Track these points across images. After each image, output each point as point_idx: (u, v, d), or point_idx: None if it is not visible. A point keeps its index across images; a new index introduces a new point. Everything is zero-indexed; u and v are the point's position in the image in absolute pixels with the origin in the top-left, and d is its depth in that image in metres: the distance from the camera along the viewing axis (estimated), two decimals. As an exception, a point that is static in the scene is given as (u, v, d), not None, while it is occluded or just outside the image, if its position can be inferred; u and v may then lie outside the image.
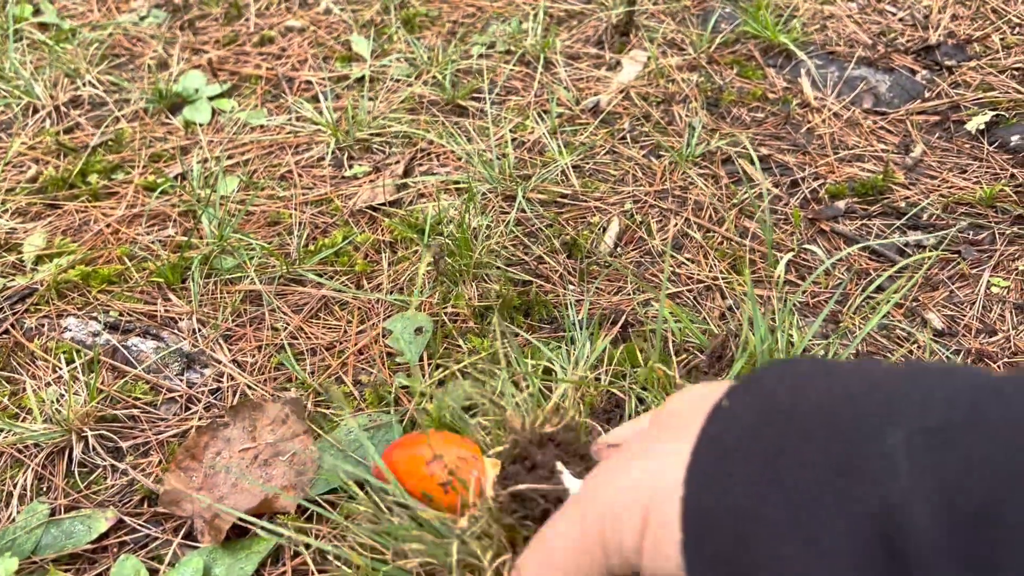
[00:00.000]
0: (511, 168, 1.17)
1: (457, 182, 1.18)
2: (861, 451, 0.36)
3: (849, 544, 0.34)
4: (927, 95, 1.32)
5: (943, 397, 0.36)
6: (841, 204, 1.15)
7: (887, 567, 0.33)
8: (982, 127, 1.24)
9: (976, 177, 1.17)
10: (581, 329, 0.95)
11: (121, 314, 1.02)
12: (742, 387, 0.44)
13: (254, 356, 0.97)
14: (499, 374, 0.76)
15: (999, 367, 0.94)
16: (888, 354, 0.96)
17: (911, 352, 0.95)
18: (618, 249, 1.10)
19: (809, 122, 1.29)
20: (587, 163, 1.23)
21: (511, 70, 1.39)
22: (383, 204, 1.15)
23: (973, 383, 0.36)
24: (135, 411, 0.91)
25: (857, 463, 0.36)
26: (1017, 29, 1.43)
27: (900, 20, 1.48)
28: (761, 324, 0.87)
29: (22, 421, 0.89)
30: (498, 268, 1.03)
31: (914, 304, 1.02)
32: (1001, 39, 1.41)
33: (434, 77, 1.37)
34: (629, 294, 1.02)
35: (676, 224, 1.13)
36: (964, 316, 1.00)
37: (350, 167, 1.23)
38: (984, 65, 1.36)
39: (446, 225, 1.08)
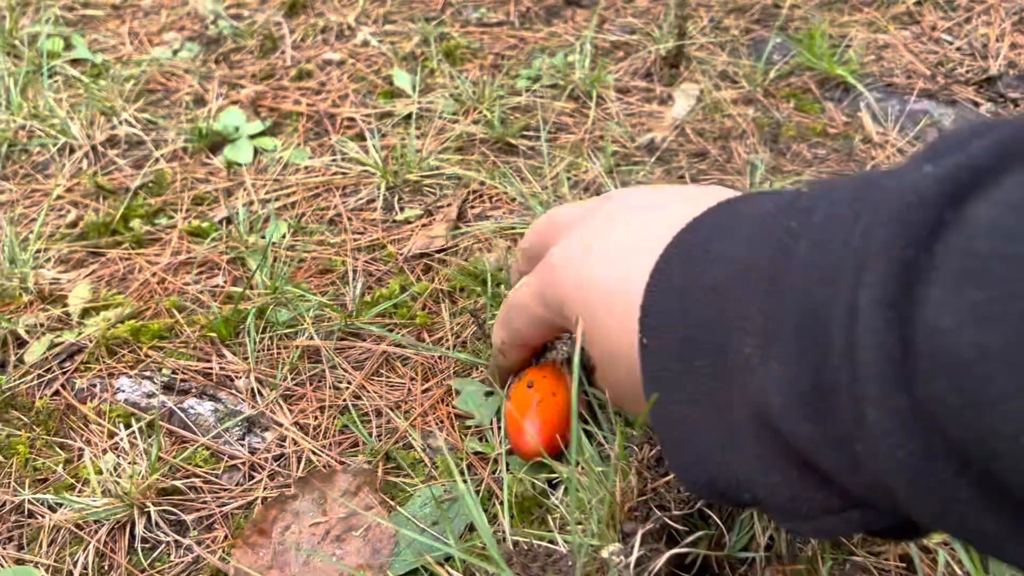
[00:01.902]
0: (570, 211, 1.13)
1: (513, 227, 1.14)
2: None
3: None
4: (993, 129, 1.28)
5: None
6: (915, 247, 1.11)
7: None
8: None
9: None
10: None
11: (175, 372, 0.98)
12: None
13: (316, 418, 0.92)
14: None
15: None
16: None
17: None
18: (687, 298, 1.05)
19: (873, 159, 1.25)
20: (646, 204, 1.18)
21: (561, 106, 1.35)
22: (438, 251, 1.11)
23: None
24: (196, 480, 0.87)
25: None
26: (1081, 59, 1.39)
27: (957, 50, 1.45)
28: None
29: (79, 494, 0.85)
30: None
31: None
32: (1065, 69, 1.37)
33: (482, 114, 1.33)
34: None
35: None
36: None
37: (401, 210, 1.19)
38: (1050, 97, 1.32)
39: (506, 273, 1.04)
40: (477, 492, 0.83)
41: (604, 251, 0.58)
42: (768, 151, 1.27)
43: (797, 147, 1.28)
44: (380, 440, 0.89)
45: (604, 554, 0.73)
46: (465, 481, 0.84)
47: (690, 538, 0.71)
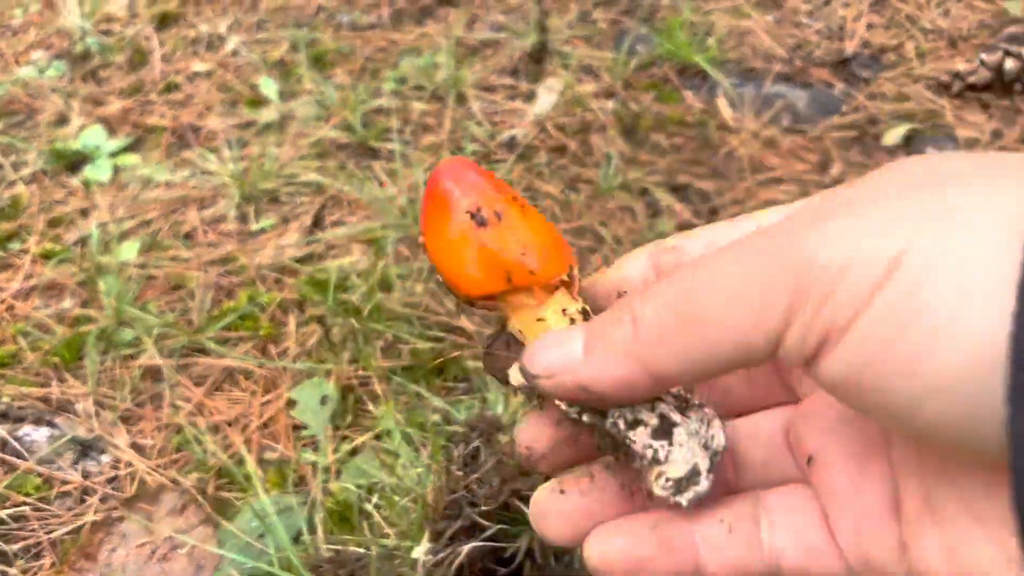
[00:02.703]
0: (423, 213, 1.14)
1: (369, 232, 1.14)
2: None
3: None
4: (845, 109, 1.31)
5: None
6: (760, 230, 1.13)
7: None
8: (899, 140, 1.23)
9: (894, 194, 1.16)
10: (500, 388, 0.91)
11: (13, 399, 0.96)
12: None
13: (153, 438, 0.92)
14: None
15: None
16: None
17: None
18: (535, 293, 1.06)
19: (728, 145, 1.27)
20: (503, 202, 1.19)
21: (424, 107, 1.36)
22: (292, 259, 1.11)
23: None
24: (25, 509, 0.86)
25: None
26: (931, 36, 1.43)
27: (816, 32, 1.47)
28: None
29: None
30: (410, 325, 0.99)
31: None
32: (916, 47, 1.41)
33: (344, 119, 1.33)
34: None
35: (594, 264, 1.10)
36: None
37: (257, 220, 1.18)
38: (899, 75, 1.36)
39: (358, 280, 1.05)
40: (304, 503, 0.83)
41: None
42: (626, 143, 1.28)
43: (655, 137, 1.30)
44: (214, 456, 0.89)
45: (414, 554, 0.74)
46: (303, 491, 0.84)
47: (488, 532, 0.72)
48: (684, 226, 1.15)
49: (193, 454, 0.89)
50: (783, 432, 0.41)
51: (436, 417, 0.87)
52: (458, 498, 0.76)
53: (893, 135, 1.23)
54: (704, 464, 0.37)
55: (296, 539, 0.80)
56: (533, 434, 0.40)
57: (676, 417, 0.37)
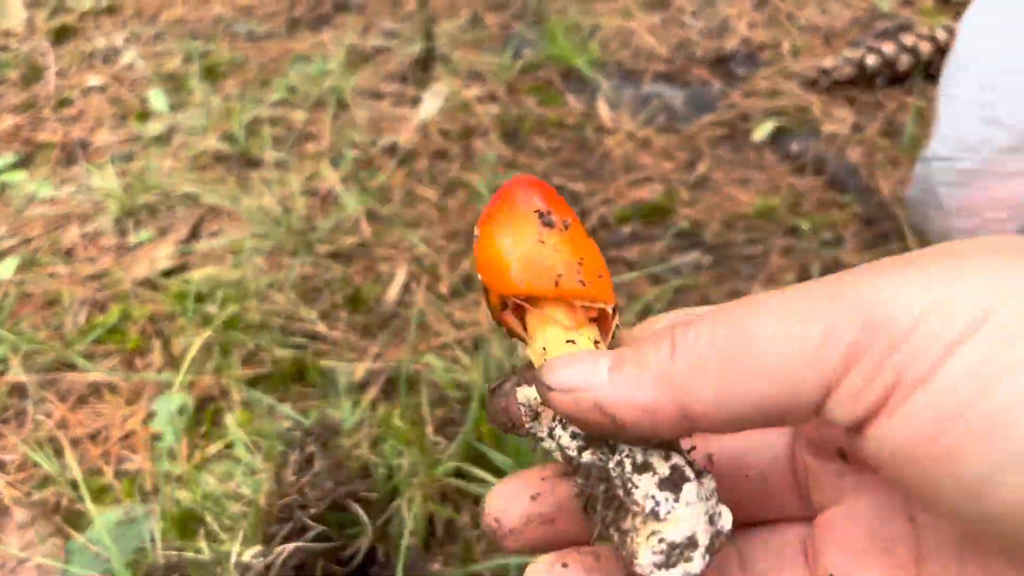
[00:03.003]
0: (298, 222, 1.16)
1: (239, 243, 1.16)
2: None
3: None
4: (720, 107, 1.35)
5: None
6: (626, 229, 1.16)
7: None
8: (767, 136, 1.26)
9: (757, 189, 1.20)
10: (350, 391, 0.94)
11: None
12: None
13: (13, 455, 0.93)
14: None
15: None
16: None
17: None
18: (405, 297, 1.09)
19: (604, 146, 1.30)
20: (382, 208, 1.22)
21: (308, 116, 1.38)
22: (166, 271, 1.13)
23: None
24: None
25: None
26: (807, 33, 1.47)
27: (699, 31, 1.51)
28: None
29: None
30: (272, 333, 1.02)
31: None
32: (792, 45, 1.45)
33: (228, 130, 1.34)
34: (413, 346, 1.02)
35: (465, 266, 1.13)
36: (732, 336, 1.02)
37: (136, 234, 1.20)
38: (773, 73, 1.39)
39: (223, 291, 1.06)
40: (152, 513, 0.85)
41: None
42: (507, 146, 1.31)
43: (536, 140, 1.33)
44: (70, 470, 0.91)
45: (244, 558, 0.77)
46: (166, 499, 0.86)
47: (311, 533, 0.74)
48: (556, 227, 1.18)
49: (51, 468, 0.90)
50: (800, 544, 0.36)
51: (288, 424, 0.90)
52: (290, 502, 0.78)
53: (761, 131, 1.27)
54: (704, 539, 0.31)
55: (141, 548, 0.82)
56: (504, 503, 0.36)
57: (690, 473, 0.32)
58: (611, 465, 0.32)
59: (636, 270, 1.10)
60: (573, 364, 0.32)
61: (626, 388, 0.30)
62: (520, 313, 0.38)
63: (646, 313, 1.05)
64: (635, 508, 0.31)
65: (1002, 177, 0.88)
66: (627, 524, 0.32)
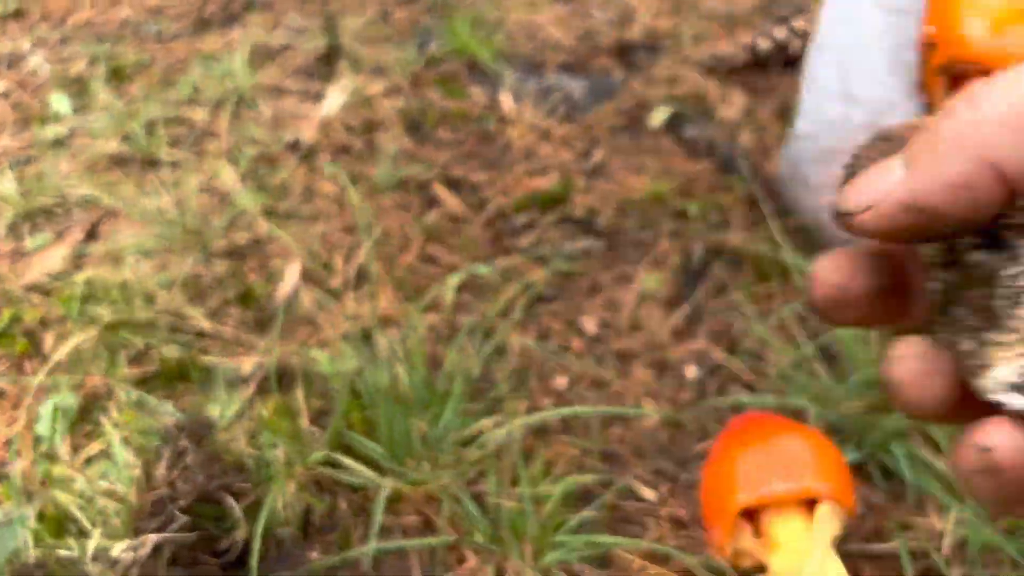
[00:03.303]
0: (193, 221, 1.16)
1: (136, 243, 1.16)
2: None
3: None
4: (620, 95, 1.37)
5: None
6: (523, 218, 1.17)
7: None
8: (662, 123, 1.29)
9: (651, 175, 1.22)
10: (233, 387, 0.94)
11: None
12: None
13: None
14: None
15: (642, 364, 0.98)
16: (545, 365, 0.99)
17: (564, 361, 0.99)
18: (298, 293, 1.09)
19: (505, 136, 1.31)
20: (280, 205, 1.22)
21: (211, 115, 1.37)
22: (59, 275, 1.12)
23: None
24: None
25: None
26: (708, 20, 1.49)
27: (605, 21, 1.53)
28: (418, 354, 0.90)
29: None
30: (160, 332, 1.02)
31: (575, 311, 1.05)
32: (692, 32, 1.47)
33: (129, 131, 1.34)
34: (304, 342, 1.02)
35: (360, 259, 1.13)
36: (617, 317, 1.04)
37: (32, 237, 1.19)
38: (674, 60, 1.42)
39: (112, 292, 1.06)
40: (29, 515, 0.85)
41: None
42: (410, 139, 1.32)
43: (439, 132, 1.34)
44: (-49, 474, 0.90)
45: (113, 553, 0.77)
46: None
47: (176, 524, 0.75)
48: (455, 218, 1.20)
49: (-72, 474, 0.90)
50: None
51: (169, 420, 0.90)
52: (160, 496, 0.79)
53: (657, 118, 1.29)
54: None
55: (17, 550, 0.82)
56: (839, 276, 0.31)
57: None
58: (1007, 272, 0.28)
59: (527, 257, 1.12)
60: (865, 178, 0.28)
61: (930, 168, 0.27)
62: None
63: (534, 299, 1.07)
64: (1013, 324, 0.27)
65: (862, 154, 0.90)
66: (992, 337, 0.28)
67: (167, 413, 0.91)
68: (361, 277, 1.11)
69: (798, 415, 0.90)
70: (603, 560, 0.82)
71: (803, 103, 0.94)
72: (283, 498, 0.82)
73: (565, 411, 0.92)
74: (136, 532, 0.78)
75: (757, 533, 0.76)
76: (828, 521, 0.73)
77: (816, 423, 0.88)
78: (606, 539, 0.81)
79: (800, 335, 0.96)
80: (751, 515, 0.76)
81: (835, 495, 0.73)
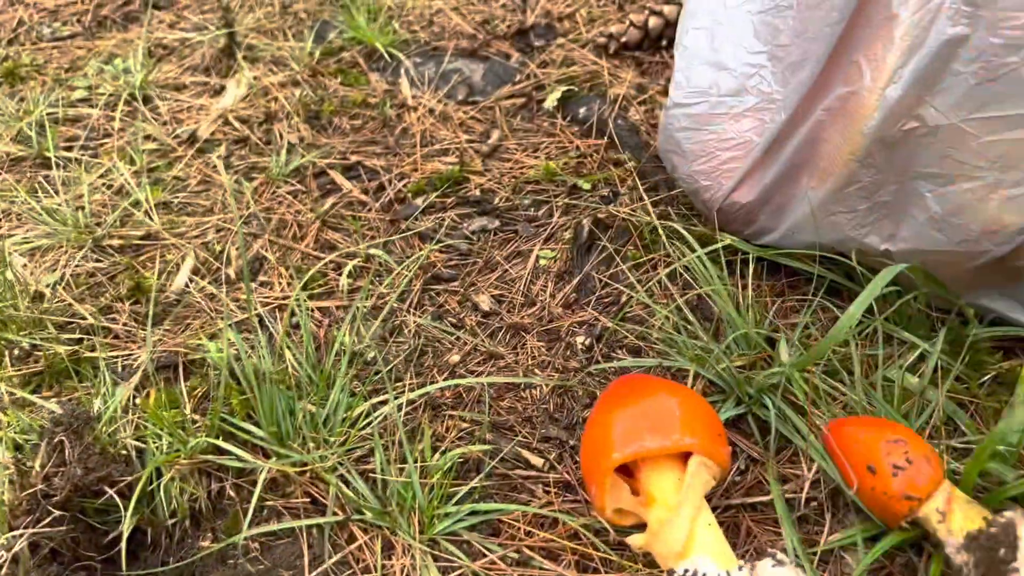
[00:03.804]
0: (87, 219, 1.14)
1: (27, 243, 1.14)
2: None
3: None
4: (517, 79, 1.38)
5: None
6: (420, 201, 1.18)
7: None
8: (556, 103, 1.30)
9: (546, 154, 1.24)
10: (120, 380, 0.93)
11: None
12: None
13: None
14: None
15: (534, 337, 0.99)
16: (440, 344, 1.00)
17: (458, 338, 1.00)
18: (191, 285, 1.09)
19: (404, 122, 1.32)
20: (176, 198, 1.21)
21: (107, 113, 1.35)
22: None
23: None
24: None
25: None
26: (601, 2, 1.52)
27: (503, 7, 1.54)
28: (307, 336, 0.89)
29: None
30: (48, 330, 1.00)
31: (470, 289, 1.06)
32: (588, 14, 1.49)
33: (22, 132, 1.31)
34: (195, 333, 1.02)
35: (255, 248, 1.13)
36: (511, 293, 1.05)
37: (-82, 245, 1.16)
38: (569, 42, 1.44)
39: (2, 290, 1.04)
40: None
41: None
42: (309, 128, 1.32)
43: (338, 120, 1.34)
44: None
45: (-12, 553, 0.76)
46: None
47: (47, 519, 0.74)
48: (352, 203, 1.20)
49: None
50: None
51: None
52: (35, 492, 0.78)
53: (551, 99, 1.31)
54: None
55: None
56: None
57: None
58: None
59: (426, 241, 1.13)
60: None
61: None
62: None
63: (432, 281, 1.08)
64: None
65: (731, 118, 0.93)
66: None
67: (48, 410, 0.89)
68: (256, 266, 1.11)
69: (681, 375, 0.92)
70: (493, 530, 0.83)
71: (676, 72, 0.96)
72: (169, 488, 0.82)
73: (450, 382, 0.93)
74: (11, 529, 0.77)
75: (636, 492, 0.77)
76: (699, 475, 0.74)
77: (697, 382, 0.90)
78: (491, 506, 0.82)
79: (680, 299, 0.98)
80: (632, 475, 0.78)
81: (706, 449, 0.75)
